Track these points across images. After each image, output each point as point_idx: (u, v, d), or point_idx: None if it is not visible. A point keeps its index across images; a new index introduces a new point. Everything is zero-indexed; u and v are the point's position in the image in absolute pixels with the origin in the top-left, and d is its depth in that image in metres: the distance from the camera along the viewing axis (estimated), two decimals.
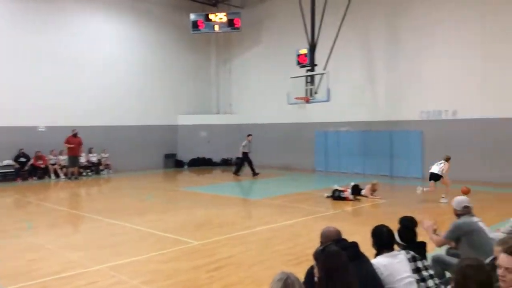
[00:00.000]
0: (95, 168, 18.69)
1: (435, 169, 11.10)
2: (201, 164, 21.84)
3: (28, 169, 16.91)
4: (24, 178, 16.68)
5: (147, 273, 5.89)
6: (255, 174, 17.28)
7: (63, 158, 17.66)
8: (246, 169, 17.73)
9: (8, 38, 16.78)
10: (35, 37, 17.41)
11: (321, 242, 3.65)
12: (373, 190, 11.73)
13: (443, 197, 10.87)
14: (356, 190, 11.48)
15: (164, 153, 21.53)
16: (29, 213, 10.80)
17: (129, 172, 18.94)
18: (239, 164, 17.82)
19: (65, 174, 17.43)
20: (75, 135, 17.01)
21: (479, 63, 14.47)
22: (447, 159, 11.16)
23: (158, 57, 21.44)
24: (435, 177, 11.05)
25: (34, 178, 16.88)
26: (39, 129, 17.43)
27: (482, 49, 14.39)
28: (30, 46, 17.26)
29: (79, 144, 17.13)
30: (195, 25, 20.72)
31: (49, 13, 17.83)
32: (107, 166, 18.99)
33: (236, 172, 17.57)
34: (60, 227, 9.07)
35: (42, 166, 17.20)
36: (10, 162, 16.82)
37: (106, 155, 19.03)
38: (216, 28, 20.74)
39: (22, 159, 16.91)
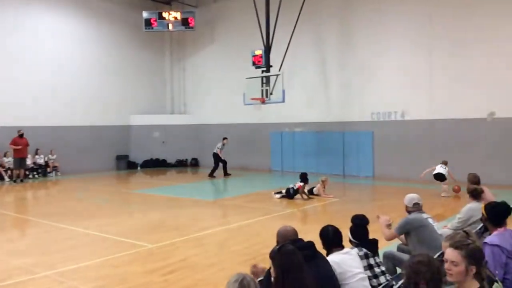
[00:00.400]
0: (42, 170, 17.85)
1: (440, 170, 11.72)
2: (155, 165, 21.41)
3: None
4: None
5: (99, 278, 5.70)
6: (227, 174, 17.35)
7: (8, 160, 16.75)
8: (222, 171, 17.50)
9: None
10: None
11: (278, 242, 3.67)
12: (324, 187, 11.95)
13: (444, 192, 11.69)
14: (305, 178, 11.50)
15: (116, 154, 20.93)
16: None
17: (79, 174, 18.23)
18: (215, 166, 17.46)
19: (10, 177, 16.54)
20: (21, 136, 16.18)
21: (427, 65, 15.13)
22: (446, 163, 11.97)
23: (111, 56, 20.80)
24: (441, 177, 11.71)
25: None
26: None
27: (430, 51, 15.06)
28: None
29: (26, 145, 16.32)
30: (148, 23, 20.31)
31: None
32: (55, 168, 18.21)
33: (211, 174, 17.17)
34: (4, 231, 8.59)
35: None
36: None
37: (54, 157, 18.23)
38: (170, 26, 20.44)
39: None
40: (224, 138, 17.89)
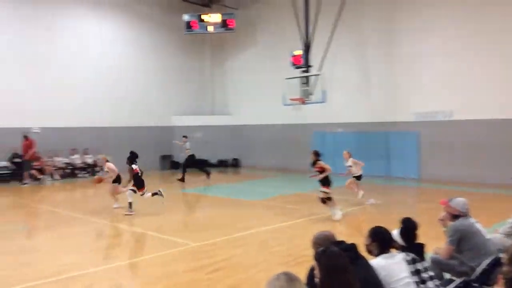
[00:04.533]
0: (90, 169, 18.62)
1: None
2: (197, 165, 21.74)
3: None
4: (19, 180, 16.56)
5: (145, 275, 5.87)
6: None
7: (59, 160, 17.61)
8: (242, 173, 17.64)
9: (17, 46, 16.97)
10: (27, 40, 17.32)
11: (317, 245, 3.65)
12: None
13: None
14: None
15: (160, 154, 21.48)
16: (22, 215, 10.73)
17: (125, 173, 18.82)
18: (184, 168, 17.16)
19: (62, 176, 17.32)
20: (26, 138, 16.45)
21: (477, 64, 14.52)
22: None
23: (153, 59, 21.40)
24: None
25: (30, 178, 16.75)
26: (34, 131, 17.30)
27: (479, 49, 14.45)
28: (22, 49, 17.18)
29: (30, 147, 16.61)
30: (188, 26, 20.69)
31: (39, 14, 17.74)
32: (102, 168, 18.90)
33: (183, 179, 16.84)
34: (55, 229, 9.01)
35: (38, 167, 17.09)
36: (5, 163, 16.72)
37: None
38: (210, 29, 20.72)
39: (17, 160, 16.81)
40: (184, 136, 17.44)
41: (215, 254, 6.80)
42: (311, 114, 17.89)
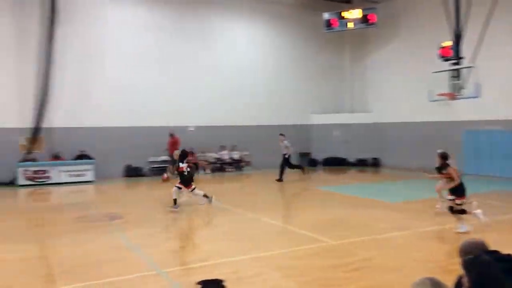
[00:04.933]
0: (236, 164, 20.15)
1: None
2: (336, 163, 21.73)
3: None
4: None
5: (283, 267, 6.15)
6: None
7: (210, 155, 19.48)
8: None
9: (167, 47, 19.14)
10: (183, 44, 19.46)
11: (465, 252, 3.39)
12: None
13: None
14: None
15: (299, 152, 21.98)
16: (181, 205, 12.08)
17: (266, 169, 19.81)
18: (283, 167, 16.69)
19: (213, 170, 19.04)
20: (172, 135, 17.98)
21: None
22: None
23: (291, 58, 22.04)
24: None
25: None
26: (189, 129, 19.39)
27: None
28: (179, 53, 19.35)
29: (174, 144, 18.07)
30: (328, 24, 20.68)
31: (193, 21, 19.72)
32: (247, 163, 20.28)
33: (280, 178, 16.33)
34: (204, 218, 9.95)
35: (193, 162, 19.12)
36: (166, 158, 19.02)
37: (247, 153, 20.34)
38: (350, 25, 20.40)
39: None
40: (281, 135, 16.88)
41: (352, 254, 6.77)
42: (462, 111, 16.38)
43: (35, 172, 16.07)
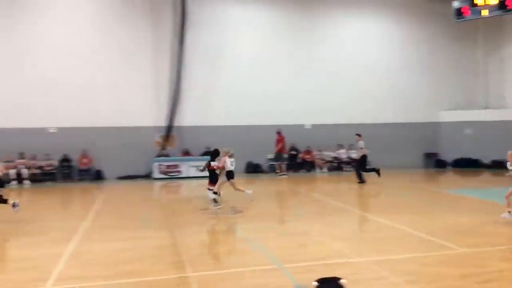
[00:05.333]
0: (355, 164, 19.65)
1: None
2: (467, 165, 19.85)
3: (298, 162, 19.19)
4: (295, 170, 18.96)
5: (408, 273, 5.82)
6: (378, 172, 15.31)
7: (327, 154, 19.31)
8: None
9: (290, 49, 19.61)
10: (303, 44, 19.63)
11: None
12: None
13: None
14: None
15: (424, 152, 20.60)
16: (298, 202, 12.22)
17: (387, 169, 18.96)
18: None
19: (330, 169, 18.91)
20: (279, 133, 18.16)
21: None
22: None
23: (418, 51, 20.83)
24: None
25: (303, 170, 19.03)
26: (306, 127, 19.51)
27: None
28: (296, 53, 19.56)
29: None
30: (458, 12, 18.86)
31: (324, 21, 19.81)
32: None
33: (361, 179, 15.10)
34: (325, 217, 9.90)
35: (310, 160, 19.21)
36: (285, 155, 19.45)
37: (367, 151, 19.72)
38: (484, 13, 18.35)
39: (293, 153, 19.30)
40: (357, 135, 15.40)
41: (485, 264, 6.13)
42: None
43: (168, 166, 17.69)
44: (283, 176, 17.70)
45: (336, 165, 19.57)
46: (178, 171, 17.70)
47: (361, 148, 15.34)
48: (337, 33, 20.14)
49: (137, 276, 5.76)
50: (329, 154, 19.66)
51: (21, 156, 16.68)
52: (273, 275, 5.78)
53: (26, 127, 16.60)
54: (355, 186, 15.55)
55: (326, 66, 19.79)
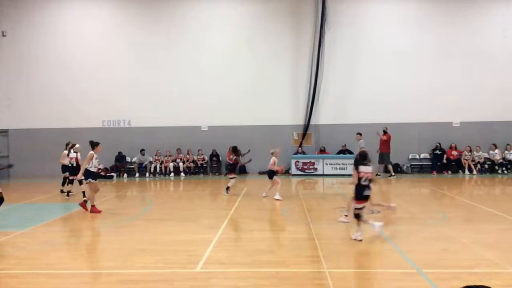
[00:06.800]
0: (511, 166, 17.50)
1: None
2: None
3: (443, 162, 17.83)
4: (439, 171, 17.66)
5: None
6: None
7: (478, 155, 17.61)
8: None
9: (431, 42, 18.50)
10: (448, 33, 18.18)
11: None
12: None
13: None
14: None
15: None
16: (442, 205, 11.40)
17: None
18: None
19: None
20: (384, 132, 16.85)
21: None
22: None
23: None
24: None
25: (448, 172, 17.62)
26: (453, 125, 18.11)
27: None
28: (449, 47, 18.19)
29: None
30: None
31: (463, 9, 18.24)
32: None
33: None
34: (475, 223, 9.08)
35: (455, 158, 17.71)
36: (427, 155, 18.26)
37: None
38: None
39: (438, 152, 17.98)
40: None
41: None
42: None
43: (305, 163, 18.09)
44: (393, 178, 16.65)
45: (489, 167, 17.64)
46: (315, 168, 17.98)
47: (361, 148, 13.92)
48: (492, 20, 18.19)
49: (275, 266, 6.11)
50: (480, 155, 17.81)
51: (178, 151, 19.06)
52: (413, 279, 5.57)
53: (185, 126, 19.15)
54: (510, 190, 13.91)
55: (485, 61, 18.19)
